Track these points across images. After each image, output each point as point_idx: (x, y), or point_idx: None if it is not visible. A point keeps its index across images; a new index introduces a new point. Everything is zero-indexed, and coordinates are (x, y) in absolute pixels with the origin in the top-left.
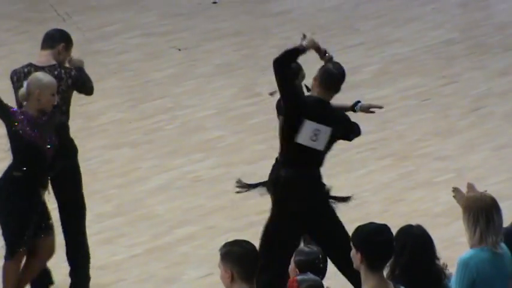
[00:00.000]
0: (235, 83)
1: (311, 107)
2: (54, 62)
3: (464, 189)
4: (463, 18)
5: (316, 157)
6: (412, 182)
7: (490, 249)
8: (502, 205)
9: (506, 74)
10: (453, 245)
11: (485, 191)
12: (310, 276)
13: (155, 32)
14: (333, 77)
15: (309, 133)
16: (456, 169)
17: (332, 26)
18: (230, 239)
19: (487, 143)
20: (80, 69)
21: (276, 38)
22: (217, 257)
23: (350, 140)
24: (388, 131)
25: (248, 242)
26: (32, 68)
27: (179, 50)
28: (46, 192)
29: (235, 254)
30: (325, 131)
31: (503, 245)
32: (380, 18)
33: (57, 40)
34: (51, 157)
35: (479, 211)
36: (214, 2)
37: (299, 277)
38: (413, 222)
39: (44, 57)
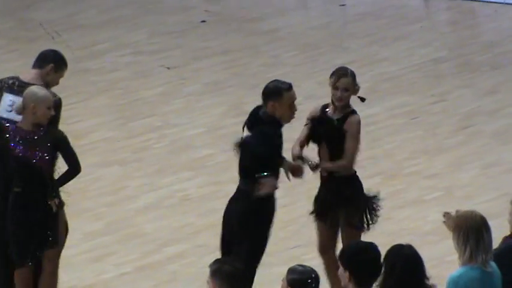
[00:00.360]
0: (224, 101)
1: None
2: (40, 82)
3: (453, 207)
4: (451, 36)
5: None
6: (401, 201)
7: (479, 268)
8: (491, 223)
9: (494, 93)
10: (442, 264)
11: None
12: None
13: (145, 50)
14: None
15: None
16: (445, 187)
17: (321, 45)
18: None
19: (476, 161)
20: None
21: (264, 56)
22: (206, 276)
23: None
24: (376, 150)
25: (238, 261)
26: (17, 81)
27: (168, 68)
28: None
29: (225, 273)
30: None
31: (492, 263)
32: (368, 36)
33: (48, 60)
34: (47, 171)
35: (470, 230)
36: (203, 21)
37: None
38: (402, 241)
39: (31, 75)
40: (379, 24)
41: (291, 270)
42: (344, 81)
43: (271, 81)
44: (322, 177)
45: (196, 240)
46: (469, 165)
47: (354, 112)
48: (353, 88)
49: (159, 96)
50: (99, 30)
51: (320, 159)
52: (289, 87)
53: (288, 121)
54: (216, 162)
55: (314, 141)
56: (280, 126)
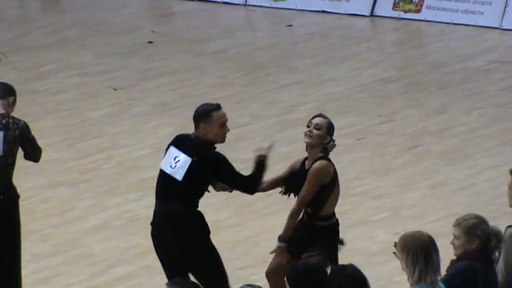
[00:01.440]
0: (171, 122)
1: None
2: (3, 111)
3: (400, 227)
4: (398, 56)
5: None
6: (349, 221)
7: None
8: (439, 243)
9: (441, 113)
10: (390, 284)
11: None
12: None
13: (91, 71)
14: None
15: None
16: (392, 207)
17: (268, 65)
18: (166, 280)
19: (423, 181)
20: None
21: (212, 77)
22: None
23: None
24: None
25: (196, 285)
26: None
27: (115, 89)
28: None
29: None
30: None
31: (441, 284)
32: (316, 57)
33: (9, 92)
34: None
35: (418, 250)
36: (150, 42)
37: None
38: (350, 261)
39: None
40: (326, 44)
41: None
42: (318, 120)
43: (200, 106)
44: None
45: (144, 261)
46: (417, 185)
47: (321, 158)
48: (326, 132)
49: (106, 117)
50: (46, 52)
51: None
52: (217, 107)
53: (222, 141)
54: None
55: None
56: (215, 148)
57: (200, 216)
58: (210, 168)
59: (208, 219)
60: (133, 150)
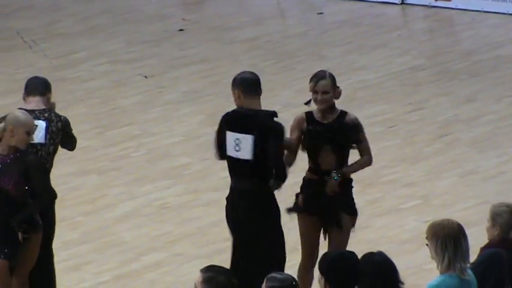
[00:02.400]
0: (202, 109)
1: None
2: (44, 107)
3: (430, 215)
4: (429, 44)
5: None
6: (379, 209)
7: (457, 276)
8: (469, 232)
9: (472, 101)
10: (420, 272)
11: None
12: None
13: (122, 59)
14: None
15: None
16: (423, 196)
17: (298, 53)
18: (198, 266)
19: (454, 169)
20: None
21: (242, 65)
22: (184, 285)
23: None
24: (354, 157)
25: (233, 274)
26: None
27: (146, 77)
28: None
29: (220, 285)
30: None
31: (469, 271)
32: (346, 45)
33: (48, 89)
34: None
35: (447, 238)
36: (181, 30)
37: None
38: (381, 249)
39: (33, 103)
40: (357, 32)
41: (269, 279)
42: (323, 83)
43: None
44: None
45: (174, 248)
46: (447, 174)
47: (345, 112)
48: (333, 90)
49: (136, 105)
50: (77, 39)
51: (319, 164)
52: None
53: None
54: (193, 170)
55: (309, 150)
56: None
57: (273, 195)
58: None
59: None
60: (164, 138)
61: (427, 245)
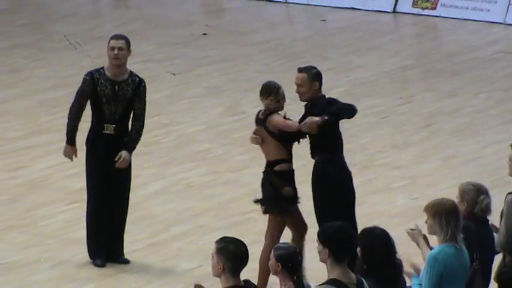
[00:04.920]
0: (222, 102)
1: None
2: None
3: (417, 194)
4: (416, 47)
5: None
6: (373, 188)
7: (453, 246)
8: None
9: (453, 96)
10: (408, 241)
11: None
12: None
13: (153, 59)
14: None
15: None
16: (410, 177)
17: (305, 54)
18: (218, 236)
19: (437, 154)
20: None
21: (256, 64)
22: (207, 252)
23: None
24: (352, 144)
25: (242, 243)
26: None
27: (174, 74)
28: None
29: (231, 252)
30: None
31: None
32: (345, 47)
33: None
34: None
35: (449, 214)
36: (204, 34)
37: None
38: (374, 222)
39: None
40: (355, 36)
41: (276, 248)
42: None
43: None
44: None
45: (198, 221)
46: (431, 158)
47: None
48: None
49: (166, 98)
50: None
51: None
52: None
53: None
54: (215, 154)
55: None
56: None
57: None
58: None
59: (252, 186)
60: (189, 127)
61: (425, 222)
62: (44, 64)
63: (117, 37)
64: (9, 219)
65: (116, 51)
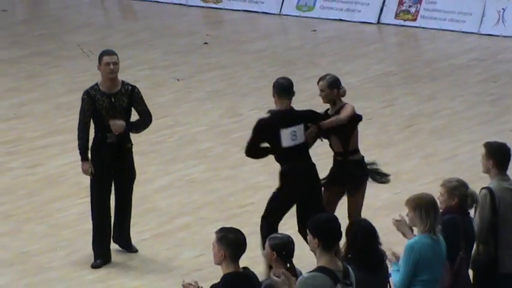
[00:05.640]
0: (221, 105)
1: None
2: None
3: (399, 188)
4: (399, 55)
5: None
6: None
7: (430, 236)
8: None
9: (432, 99)
10: (390, 232)
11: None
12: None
13: (159, 65)
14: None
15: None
16: (393, 173)
17: (297, 61)
18: (218, 227)
19: (417, 152)
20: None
21: (253, 71)
22: (208, 242)
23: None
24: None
25: (240, 231)
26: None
27: (178, 80)
28: None
29: (230, 240)
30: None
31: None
32: (334, 55)
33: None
34: None
35: (429, 206)
36: (205, 43)
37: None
38: (361, 215)
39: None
40: (343, 45)
41: (271, 238)
42: (319, 84)
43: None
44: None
45: (199, 213)
46: (412, 156)
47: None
48: (329, 89)
49: (170, 102)
50: (124, 50)
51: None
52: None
53: None
54: (215, 153)
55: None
56: None
57: None
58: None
59: (249, 181)
60: (192, 127)
61: (406, 215)
62: (60, 70)
63: (110, 53)
64: (28, 212)
65: (111, 66)
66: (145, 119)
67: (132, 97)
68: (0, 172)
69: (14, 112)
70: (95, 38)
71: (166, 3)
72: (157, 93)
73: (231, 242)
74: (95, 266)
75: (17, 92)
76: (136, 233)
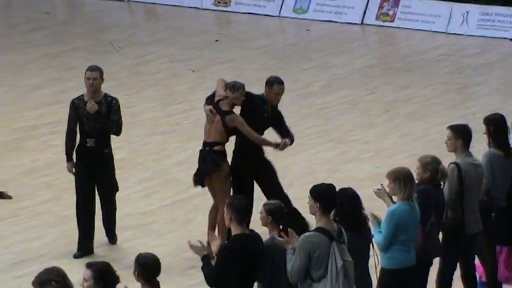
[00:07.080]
0: None
1: None
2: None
3: (380, 163)
4: (379, 51)
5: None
6: (346, 158)
7: (408, 203)
8: None
9: (407, 88)
10: (372, 200)
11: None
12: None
13: (177, 59)
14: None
15: None
16: (375, 150)
17: (293, 56)
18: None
19: (395, 132)
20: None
21: (256, 64)
22: None
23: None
24: (330, 125)
25: (244, 198)
26: None
27: (193, 71)
28: None
29: (234, 205)
30: None
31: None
32: (324, 51)
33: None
34: None
35: (406, 178)
36: (216, 40)
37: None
38: (347, 185)
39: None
40: (332, 42)
41: (266, 204)
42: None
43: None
44: None
45: None
46: (391, 135)
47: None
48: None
49: (187, 90)
50: (148, 46)
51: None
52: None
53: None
54: None
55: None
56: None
57: None
58: None
59: None
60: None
61: (388, 186)
62: (94, 63)
63: (92, 69)
64: (67, 182)
65: (91, 81)
66: (115, 125)
67: (109, 106)
68: (45, 148)
69: (55, 98)
70: (124, 36)
71: (183, 6)
72: (175, 83)
73: (235, 207)
74: (76, 257)
75: (58, 81)
76: (158, 200)
